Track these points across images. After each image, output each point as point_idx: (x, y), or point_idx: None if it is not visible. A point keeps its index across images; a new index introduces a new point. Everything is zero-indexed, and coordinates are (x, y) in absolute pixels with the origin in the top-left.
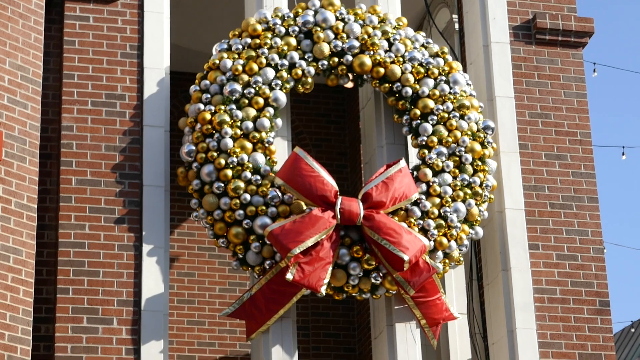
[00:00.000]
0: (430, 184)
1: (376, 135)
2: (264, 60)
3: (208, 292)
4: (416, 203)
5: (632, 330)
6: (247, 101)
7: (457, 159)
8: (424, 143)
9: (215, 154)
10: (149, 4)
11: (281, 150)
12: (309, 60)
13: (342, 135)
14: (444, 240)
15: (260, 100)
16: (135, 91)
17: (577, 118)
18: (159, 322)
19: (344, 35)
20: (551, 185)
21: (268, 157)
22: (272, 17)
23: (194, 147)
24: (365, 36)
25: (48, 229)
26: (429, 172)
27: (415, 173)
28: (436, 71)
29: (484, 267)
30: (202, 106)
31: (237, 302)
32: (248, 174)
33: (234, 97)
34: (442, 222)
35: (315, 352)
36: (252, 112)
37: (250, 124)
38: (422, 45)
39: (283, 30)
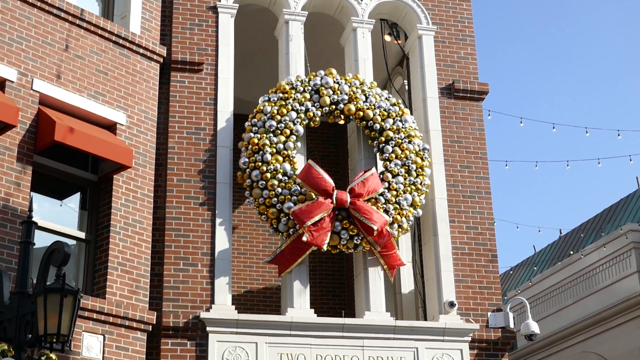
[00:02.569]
0: (390, 182)
1: (357, 153)
2: (290, 107)
3: (255, 248)
4: (381, 194)
5: (511, 272)
6: (279, 132)
7: (407, 167)
8: (386, 158)
9: (260, 164)
10: (221, 72)
11: (300, 162)
12: (317, 107)
13: (337, 153)
14: (398, 217)
15: (287, 131)
16: (212, 125)
17: (478, 143)
18: (226, 265)
19: (339, 92)
20: (462, 184)
21: (292, 166)
22: (295, 81)
23: (247, 160)
24: (351, 93)
25: (159, 209)
26: (389, 175)
27: (381, 176)
28: (394, 114)
29: (422, 233)
30: (252, 135)
31: (273, 254)
32: (280, 176)
33: (271, 130)
34: (397, 206)
35: (320, 285)
36: (282, 138)
37: (281, 146)
38: (386, 99)
39: (302, 88)
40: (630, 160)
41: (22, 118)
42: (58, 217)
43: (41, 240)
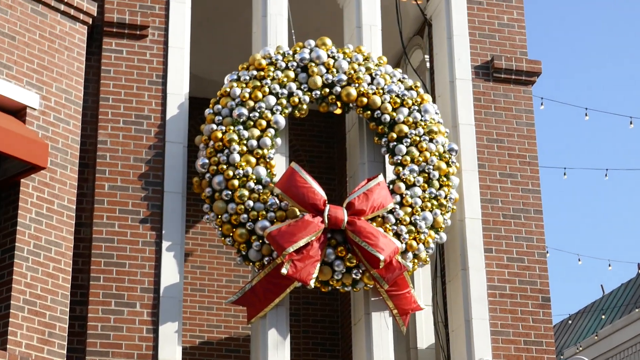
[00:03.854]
0: (403, 195)
1: (359, 154)
2: (267, 90)
3: (216, 283)
4: (391, 211)
5: (569, 322)
6: (252, 123)
7: (426, 175)
8: (398, 161)
9: (224, 166)
10: (173, 40)
11: (280, 165)
12: (305, 90)
13: (331, 154)
14: (414, 243)
15: (263, 123)
16: (160, 113)
17: (526, 143)
18: (175, 306)
19: (334, 70)
20: (504, 199)
21: (269, 170)
22: (274, 54)
23: (207, 161)
24: (352, 71)
25: (84, 227)
26: (402, 185)
27: (391, 186)
28: (410, 102)
29: (446, 266)
30: (214, 126)
31: (240, 292)
32: (252, 184)
33: (241, 120)
34: (413, 228)
35: (305, 335)
36: (256, 132)
37: (254, 142)
38: (399, 80)
39: (283, 64)
40: None
41: None
42: None
43: None
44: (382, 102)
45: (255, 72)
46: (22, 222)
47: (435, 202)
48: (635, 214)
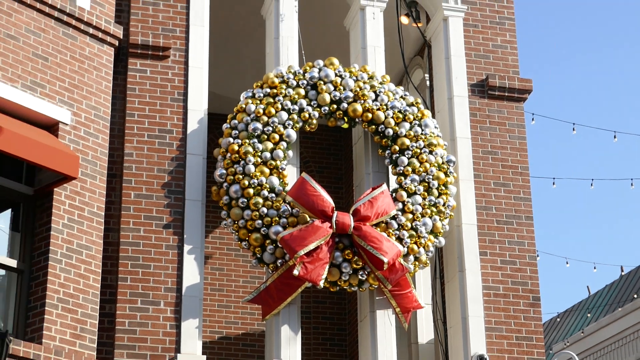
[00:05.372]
0: (405, 203)
1: (364, 165)
2: (279, 106)
3: (234, 283)
4: (394, 218)
5: (558, 319)
6: (266, 137)
7: (426, 184)
8: (401, 172)
9: (240, 176)
10: (192, 60)
11: (291, 175)
12: (314, 106)
13: (339, 165)
14: (415, 247)
15: (276, 136)
16: (181, 127)
17: (518, 155)
18: (196, 305)
19: (341, 87)
20: (497, 207)
21: (281, 180)
22: (286, 73)
23: (224, 171)
24: (357, 89)
25: (112, 231)
26: (404, 194)
27: (394, 194)
28: (411, 117)
29: (445, 268)
30: (231, 140)
31: (255, 291)
32: (265, 192)
33: (256, 134)
34: (414, 233)
35: (315, 331)
36: (270, 145)
37: (268, 154)
38: (401, 97)
39: (294, 82)
40: None
41: None
42: None
43: None
44: (386, 117)
45: (268, 90)
46: (55, 228)
47: (434, 209)
48: (618, 221)
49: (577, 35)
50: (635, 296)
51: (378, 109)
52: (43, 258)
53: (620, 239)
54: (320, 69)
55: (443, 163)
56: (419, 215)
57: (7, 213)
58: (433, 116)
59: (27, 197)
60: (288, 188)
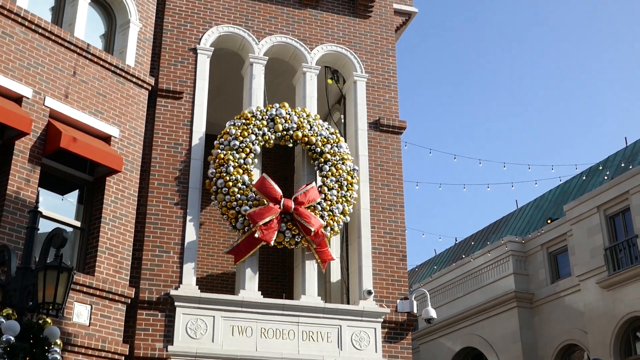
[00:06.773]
0: (326, 194)
1: (302, 169)
2: (250, 131)
3: (217, 241)
4: (319, 203)
5: (416, 269)
6: (241, 150)
7: (340, 183)
8: (324, 175)
9: (224, 174)
10: (197, 100)
11: (256, 175)
12: (272, 132)
13: (286, 169)
14: (331, 222)
15: (247, 150)
16: (188, 142)
17: (396, 167)
18: (193, 253)
19: (289, 121)
20: (382, 198)
21: (249, 178)
22: (255, 110)
23: (214, 170)
24: (299, 122)
25: (141, 206)
26: (326, 189)
27: (319, 189)
28: (332, 141)
29: (349, 235)
30: (219, 151)
31: (231, 246)
32: (240, 185)
33: (235, 147)
34: (331, 213)
35: (267, 272)
36: (243, 155)
37: (242, 161)
38: (326, 128)
39: (260, 117)
40: (512, 186)
41: (35, 128)
42: (59, 209)
43: (44, 226)
44: (316, 141)
45: (244, 120)
46: (106, 202)
47: (343, 199)
48: (457, 209)
49: (437, 91)
50: (463, 256)
51: (312, 135)
52: (97, 221)
53: (457, 220)
54: (276, 109)
55: (350, 170)
56: (334, 202)
57: (76, 192)
58: (345, 141)
59: (89, 182)
60: (254, 182)
